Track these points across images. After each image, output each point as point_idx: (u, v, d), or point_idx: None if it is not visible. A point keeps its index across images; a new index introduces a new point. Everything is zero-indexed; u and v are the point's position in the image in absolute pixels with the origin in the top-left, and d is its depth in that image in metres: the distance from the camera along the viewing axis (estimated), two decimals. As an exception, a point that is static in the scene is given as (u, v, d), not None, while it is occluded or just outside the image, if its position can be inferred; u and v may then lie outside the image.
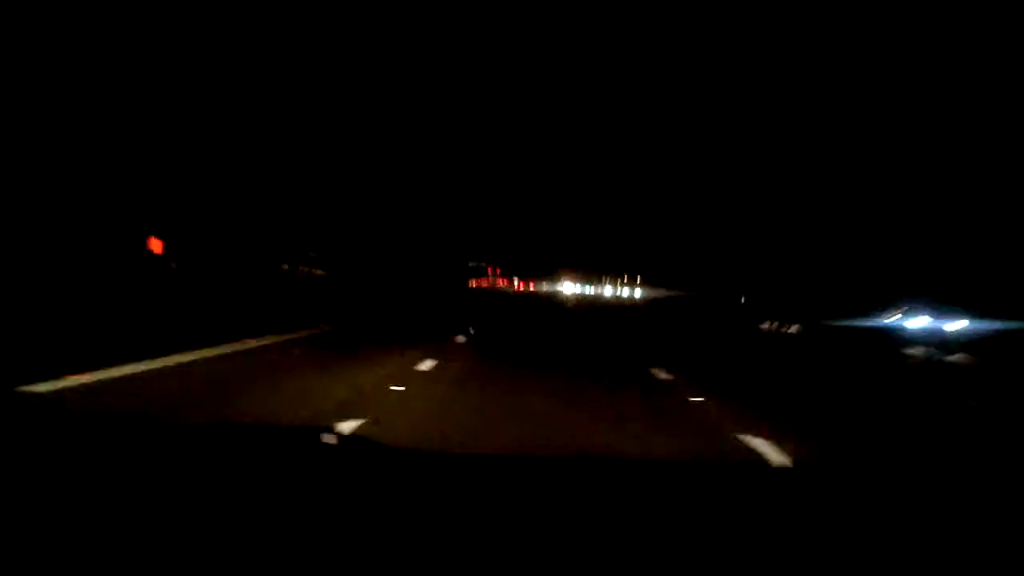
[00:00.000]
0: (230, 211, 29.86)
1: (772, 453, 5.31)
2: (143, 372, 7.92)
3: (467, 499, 1.60)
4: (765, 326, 23.35)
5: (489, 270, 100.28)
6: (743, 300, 44.11)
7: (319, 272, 42.24)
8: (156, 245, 22.61)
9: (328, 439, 2.04)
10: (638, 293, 59.51)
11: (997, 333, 14.58)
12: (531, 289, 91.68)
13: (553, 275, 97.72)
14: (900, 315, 18.44)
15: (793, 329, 21.39)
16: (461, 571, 1.25)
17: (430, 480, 1.75)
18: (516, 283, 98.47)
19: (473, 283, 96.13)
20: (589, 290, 76.13)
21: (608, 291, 65.88)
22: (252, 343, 11.58)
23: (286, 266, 37.39)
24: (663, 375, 10.40)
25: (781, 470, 3.78)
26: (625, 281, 66.10)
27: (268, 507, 1.45)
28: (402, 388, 7.87)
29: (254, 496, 1.50)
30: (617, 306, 41.96)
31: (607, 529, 1.44)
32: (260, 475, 1.63)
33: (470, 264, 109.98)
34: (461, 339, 14.61)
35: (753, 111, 44.04)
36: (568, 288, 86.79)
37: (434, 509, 1.51)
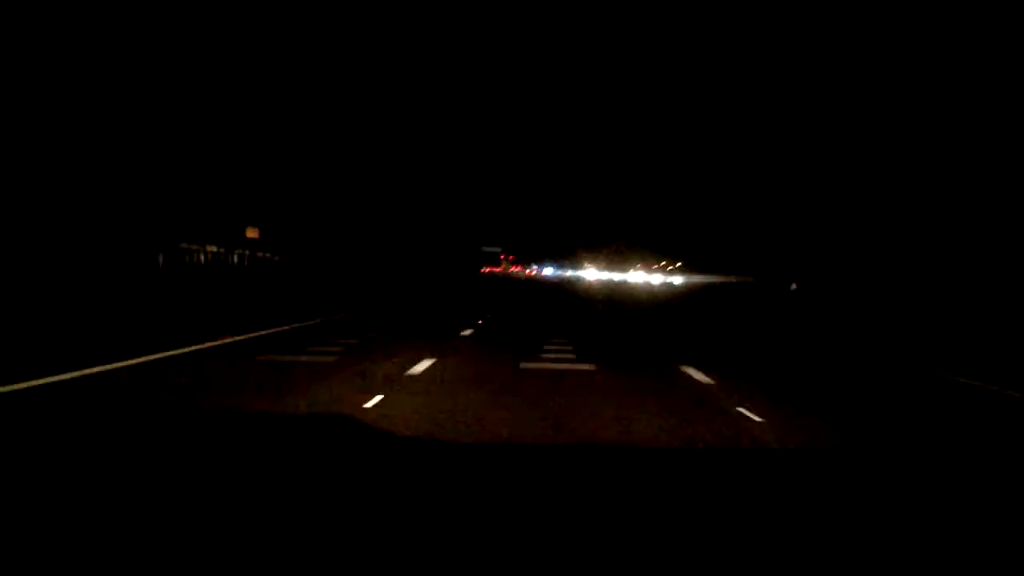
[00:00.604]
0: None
1: None
2: None
3: (468, 486, 1.70)
4: None
5: (501, 256, 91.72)
6: (793, 287, 39.57)
7: (267, 256, 32.84)
8: None
9: (336, 429, 2.16)
10: (677, 279, 49.15)
11: None
12: (545, 276, 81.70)
13: (574, 259, 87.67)
14: None
15: None
16: (463, 555, 1.29)
17: (436, 469, 1.84)
18: (529, 269, 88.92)
19: (486, 269, 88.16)
20: (617, 277, 65.24)
21: (642, 277, 54.90)
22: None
23: (213, 247, 27.79)
24: None
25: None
26: (663, 265, 55.22)
27: (273, 494, 1.53)
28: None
29: (259, 484, 1.60)
30: (665, 301, 32.44)
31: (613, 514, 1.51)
32: (267, 462, 1.74)
33: (484, 249, 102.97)
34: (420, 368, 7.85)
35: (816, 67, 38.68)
36: (592, 275, 76.25)
37: (438, 496, 1.57)
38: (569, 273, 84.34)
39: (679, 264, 50.13)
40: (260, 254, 32.60)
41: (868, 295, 28.08)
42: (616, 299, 32.54)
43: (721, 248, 50.79)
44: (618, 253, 75.05)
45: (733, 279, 45.86)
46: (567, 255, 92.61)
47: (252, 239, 29.06)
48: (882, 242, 36.45)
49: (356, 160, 50.24)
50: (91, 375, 6.50)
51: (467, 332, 12.31)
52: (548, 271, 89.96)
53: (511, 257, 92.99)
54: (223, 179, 30.94)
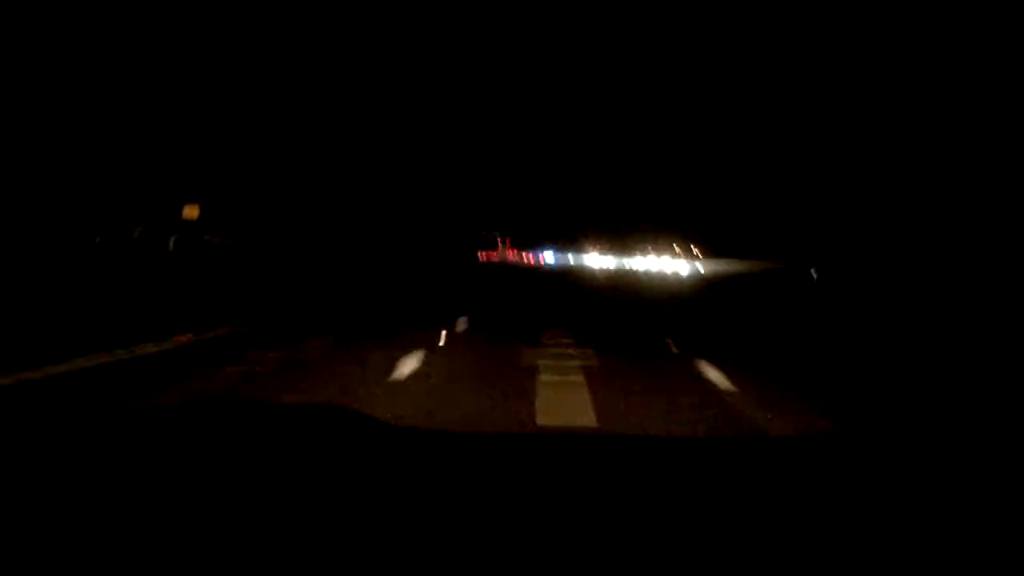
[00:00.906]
0: None
1: None
2: None
3: (463, 478, 1.58)
4: None
5: (499, 240, 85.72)
6: (815, 274, 35.94)
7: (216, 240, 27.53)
8: None
9: (326, 420, 1.96)
10: (701, 267, 43.59)
11: None
12: (543, 263, 75.99)
13: (577, 242, 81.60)
14: None
15: None
16: (461, 553, 1.23)
17: (429, 461, 1.73)
18: (527, 254, 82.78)
19: (483, 256, 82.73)
20: (628, 263, 59.34)
21: (666, 264, 48.70)
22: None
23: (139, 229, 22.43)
24: None
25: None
26: (679, 250, 49.35)
27: (262, 488, 1.42)
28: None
29: (246, 478, 1.48)
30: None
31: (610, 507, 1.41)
32: (253, 456, 1.61)
33: (483, 233, 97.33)
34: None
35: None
36: (600, 260, 70.58)
37: (431, 491, 1.49)
38: (571, 258, 78.38)
39: (706, 247, 44.26)
40: (208, 238, 27.25)
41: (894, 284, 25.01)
42: (634, 292, 27.23)
43: (741, 230, 45.65)
44: (630, 234, 69.27)
45: (765, 264, 40.57)
46: (570, 238, 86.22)
47: (190, 219, 23.75)
48: (908, 225, 33.79)
49: (333, 134, 45.10)
50: None
51: (409, 369, 6.88)
52: (547, 255, 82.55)
53: (508, 240, 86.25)
54: (160, 146, 25.58)
